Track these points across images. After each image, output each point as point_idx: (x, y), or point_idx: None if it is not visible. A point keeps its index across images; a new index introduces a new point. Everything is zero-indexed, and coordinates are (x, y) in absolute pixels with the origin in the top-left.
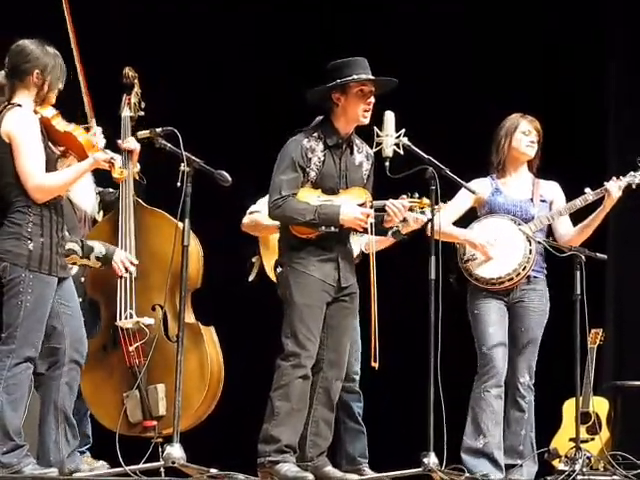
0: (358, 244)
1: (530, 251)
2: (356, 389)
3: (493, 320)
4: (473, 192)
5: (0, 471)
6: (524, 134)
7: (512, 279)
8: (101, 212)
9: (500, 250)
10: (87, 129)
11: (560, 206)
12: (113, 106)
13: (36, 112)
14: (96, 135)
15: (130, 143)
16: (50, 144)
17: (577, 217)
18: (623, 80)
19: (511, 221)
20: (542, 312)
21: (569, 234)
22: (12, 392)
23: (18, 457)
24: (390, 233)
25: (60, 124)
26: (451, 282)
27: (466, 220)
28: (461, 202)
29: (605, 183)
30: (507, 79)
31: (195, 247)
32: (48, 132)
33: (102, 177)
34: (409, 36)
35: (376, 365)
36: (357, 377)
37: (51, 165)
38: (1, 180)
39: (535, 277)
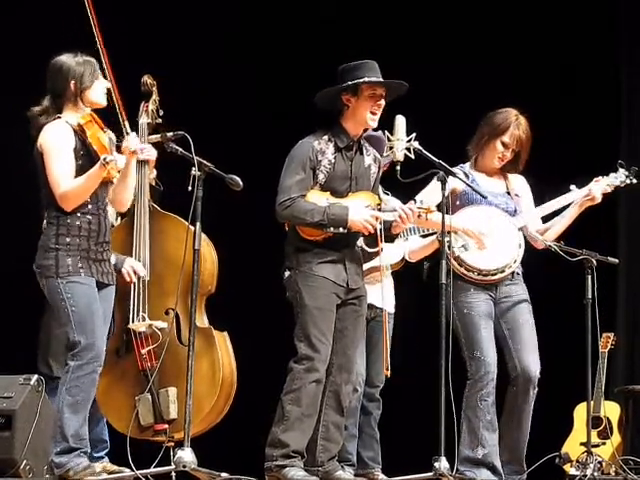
0: (402, 251)
1: (520, 245)
2: (377, 396)
3: (483, 322)
4: (485, 197)
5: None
6: (503, 145)
7: (504, 271)
8: (119, 218)
9: (494, 240)
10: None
11: (549, 203)
12: (132, 112)
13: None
14: (130, 140)
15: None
16: (96, 150)
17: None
18: (636, 67)
19: (501, 212)
20: (528, 301)
21: (542, 230)
22: (74, 394)
23: (69, 457)
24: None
25: (89, 129)
26: (424, 270)
27: None
28: (435, 191)
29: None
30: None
31: (209, 251)
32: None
33: None
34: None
35: (388, 374)
36: (381, 385)
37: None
38: (41, 192)
39: (518, 274)
